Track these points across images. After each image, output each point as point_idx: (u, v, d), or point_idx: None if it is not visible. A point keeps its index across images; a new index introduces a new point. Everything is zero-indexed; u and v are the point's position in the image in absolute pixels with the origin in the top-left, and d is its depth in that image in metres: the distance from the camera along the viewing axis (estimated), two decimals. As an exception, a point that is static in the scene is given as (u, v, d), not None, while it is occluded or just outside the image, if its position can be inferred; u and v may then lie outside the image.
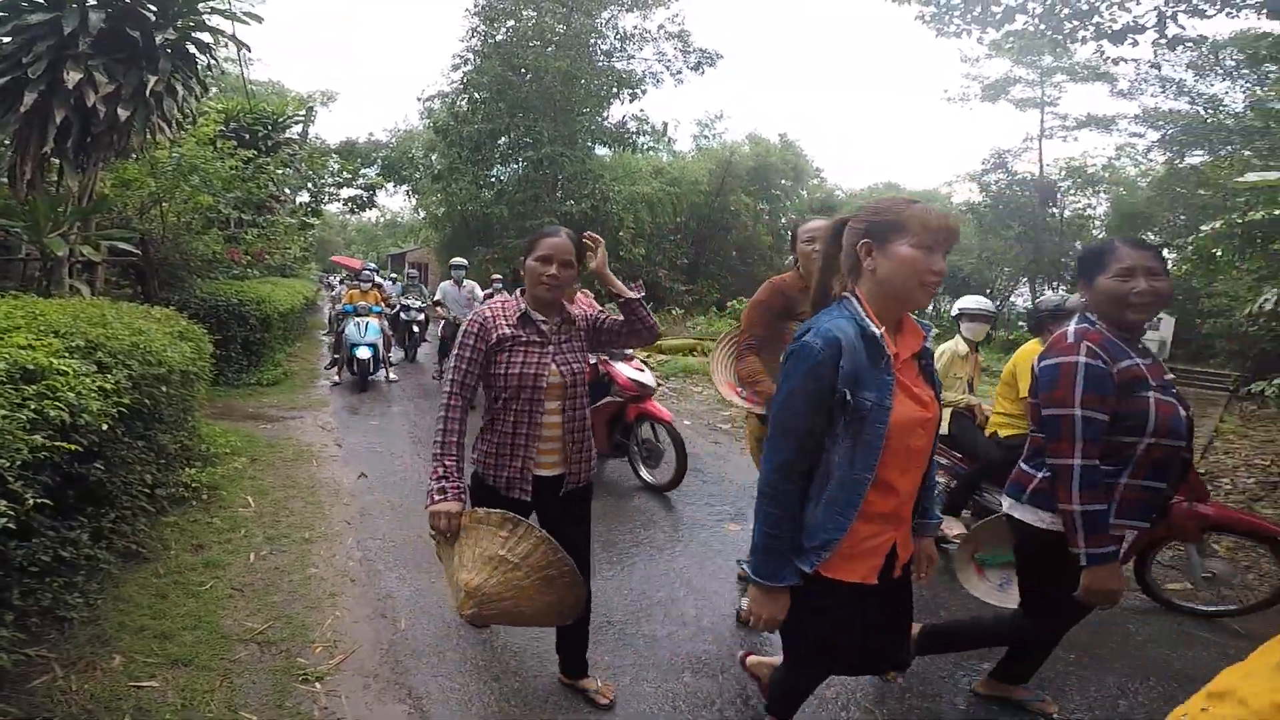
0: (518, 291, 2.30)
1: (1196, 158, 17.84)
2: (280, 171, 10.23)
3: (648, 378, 5.08)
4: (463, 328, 2.14)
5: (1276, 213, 6.02)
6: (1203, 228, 7.65)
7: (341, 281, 15.03)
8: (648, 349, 12.30)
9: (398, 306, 11.27)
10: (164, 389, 3.18)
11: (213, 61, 5.82)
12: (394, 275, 15.77)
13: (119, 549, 3.05)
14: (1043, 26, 7.39)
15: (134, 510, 3.16)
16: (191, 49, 5.47)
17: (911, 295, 1.51)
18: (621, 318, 2.30)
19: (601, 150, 20.70)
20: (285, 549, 3.65)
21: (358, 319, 8.35)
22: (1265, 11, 5.84)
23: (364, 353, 8.06)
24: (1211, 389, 14.55)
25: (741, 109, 70.76)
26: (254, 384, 7.96)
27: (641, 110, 19.74)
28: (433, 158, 21.79)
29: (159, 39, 5.02)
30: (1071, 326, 2.04)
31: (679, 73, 20.13)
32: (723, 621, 3.23)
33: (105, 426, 2.31)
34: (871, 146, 74.00)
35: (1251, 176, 7.36)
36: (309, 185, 15.01)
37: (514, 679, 2.66)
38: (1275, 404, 7.89)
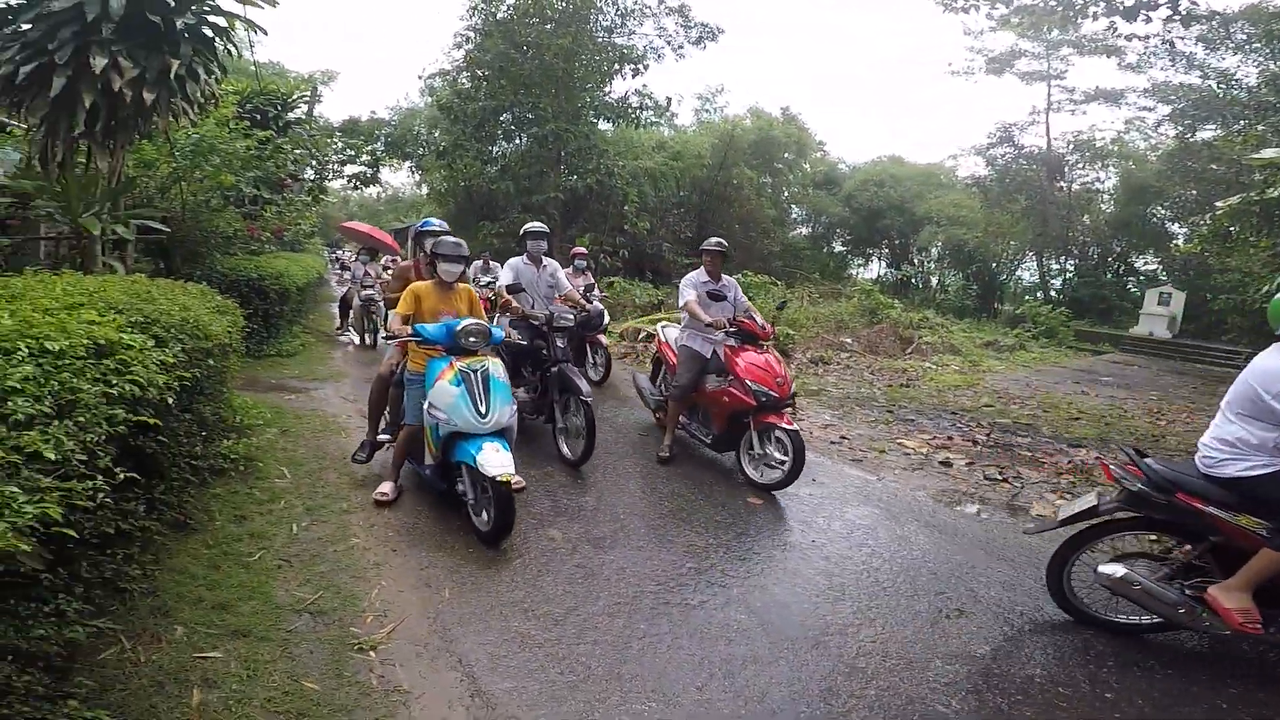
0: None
1: (1208, 132, 17.70)
2: (297, 151, 10.19)
3: None
4: None
5: (1297, 190, 5.92)
6: (1219, 204, 7.63)
7: (358, 257, 11.12)
8: (653, 318, 12.32)
9: None
10: (209, 362, 3.25)
11: (229, 45, 5.80)
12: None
13: (169, 520, 3.15)
14: (1053, 2, 7.32)
15: (182, 482, 3.25)
16: (208, 32, 5.46)
17: None
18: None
19: (604, 125, 20.57)
20: (326, 520, 3.77)
21: (467, 366, 3.68)
22: None
23: (498, 464, 3.40)
24: (1223, 365, 14.59)
25: (743, 83, 69.38)
26: (274, 355, 8.05)
27: (644, 85, 19.56)
28: (435, 134, 21.69)
29: (179, 23, 5.03)
30: None
31: (680, 48, 20.03)
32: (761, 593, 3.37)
33: (170, 400, 2.38)
34: (874, 119, 72.77)
35: (1268, 153, 7.36)
36: (313, 163, 14.94)
37: (557, 648, 2.75)
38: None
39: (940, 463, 5.87)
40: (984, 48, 21.80)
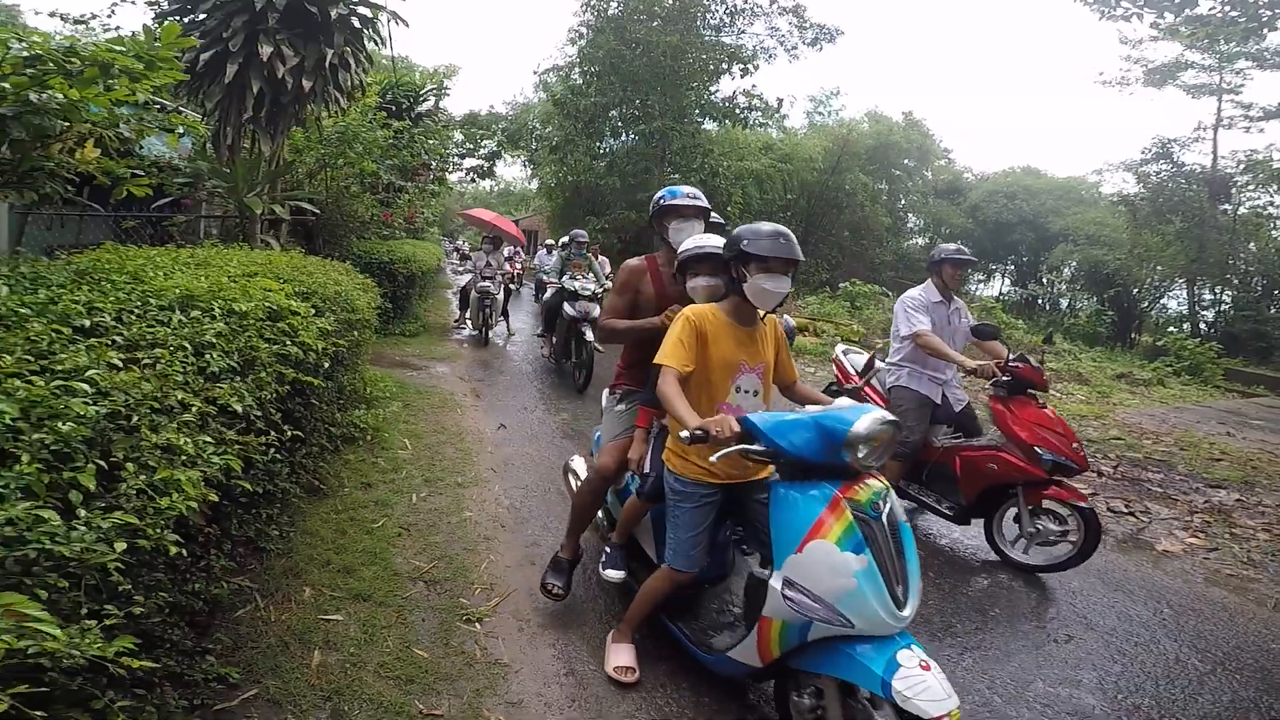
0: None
1: None
2: (430, 142, 10.78)
3: None
4: None
5: None
6: None
7: (480, 246, 9.92)
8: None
9: (550, 291, 7.97)
10: (354, 334, 3.45)
11: (374, 36, 6.14)
12: (549, 242, 13.77)
13: (305, 484, 3.33)
14: (1234, 13, 6.59)
15: (319, 447, 3.45)
16: (356, 23, 5.80)
17: None
18: None
19: (710, 125, 20.42)
20: (441, 492, 3.93)
21: (866, 507, 1.94)
22: None
23: (937, 694, 1.76)
24: None
25: (861, 85, 67.50)
26: (398, 334, 8.57)
27: (753, 86, 19.20)
28: (548, 129, 22.30)
29: (333, 14, 5.37)
30: None
31: (794, 48, 19.57)
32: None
33: (326, 364, 2.54)
34: (1007, 128, 68.44)
35: None
36: (439, 154, 15.73)
37: (647, 640, 2.73)
38: None
39: (1060, 490, 5.50)
40: (1143, 58, 19.83)
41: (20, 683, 1.03)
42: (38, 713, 1.05)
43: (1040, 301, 25.99)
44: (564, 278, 7.35)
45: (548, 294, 8.17)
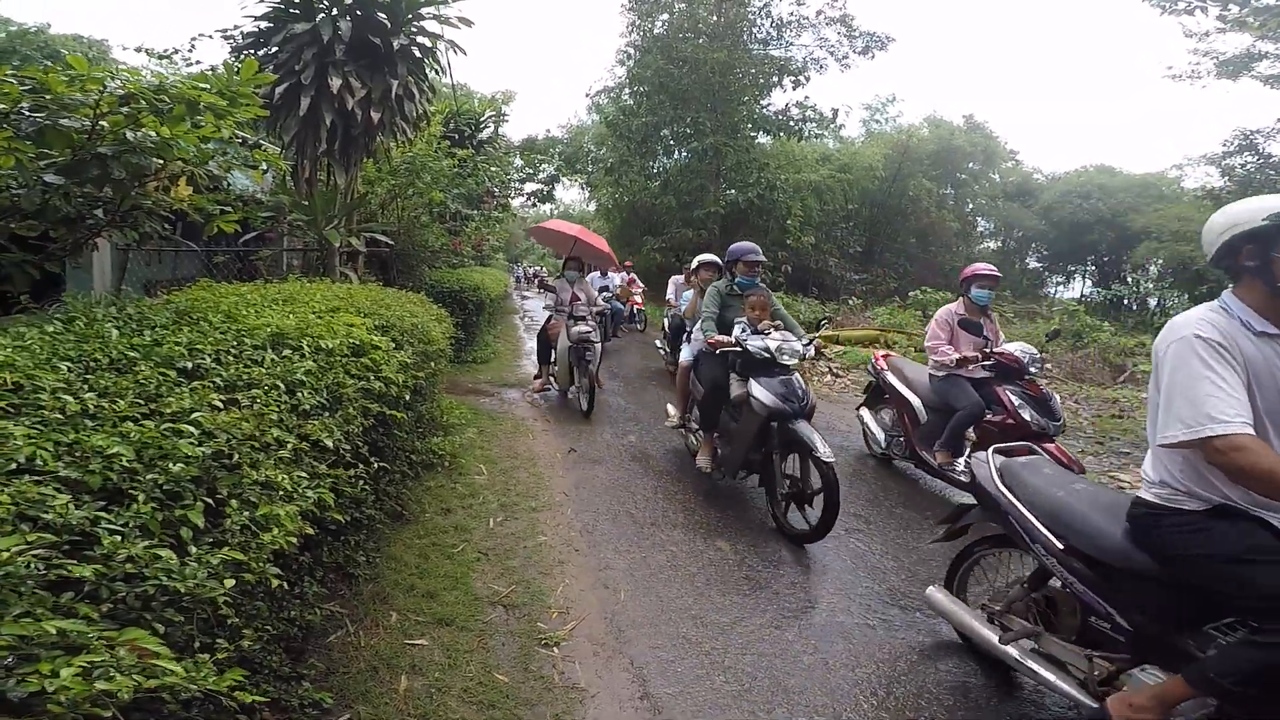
0: None
1: None
2: (493, 169, 11.07)
3: None
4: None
5: None
6: None
7: (562, 274, 7.25)
8: (825, 339, 11.79)
9: (689, 350, 4.82)
10: (432, 365, 3.54)
11: (435, 66, 6.31)
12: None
13: (388, 510, 3.42)
14: None
15: (400, 474, 3.55)
16: (417, 53, 5.95)
17: None
18: None
19: (764, 139, 20.16)
20: (517, 516, 3.96)
21: None
22: None
23: None
24: None
25: (918, 90, 65.78)
26: (470, 361, 8.72)
27: (805, 97, 18.84)
28: (603, 151, 22.55)
29: (395, 45, 5.52)
30: None
31: (845, 58, 19.17)
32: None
33: (407, 396, 2.60)
34: (1074, 127, 65.36)
35: None
36: (502, 180, 16.07)
37: (723, 657, 2.72)
38: None
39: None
40: (1212, 50, 18.64)
41: (145, 716, 1.06)
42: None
43: (1126, 301, 24.44)
44: (740, 332, 4.13)
45: (685, 354, 4.96)
